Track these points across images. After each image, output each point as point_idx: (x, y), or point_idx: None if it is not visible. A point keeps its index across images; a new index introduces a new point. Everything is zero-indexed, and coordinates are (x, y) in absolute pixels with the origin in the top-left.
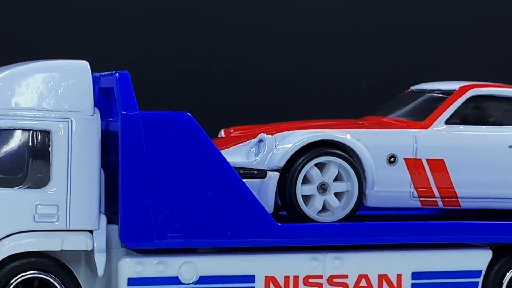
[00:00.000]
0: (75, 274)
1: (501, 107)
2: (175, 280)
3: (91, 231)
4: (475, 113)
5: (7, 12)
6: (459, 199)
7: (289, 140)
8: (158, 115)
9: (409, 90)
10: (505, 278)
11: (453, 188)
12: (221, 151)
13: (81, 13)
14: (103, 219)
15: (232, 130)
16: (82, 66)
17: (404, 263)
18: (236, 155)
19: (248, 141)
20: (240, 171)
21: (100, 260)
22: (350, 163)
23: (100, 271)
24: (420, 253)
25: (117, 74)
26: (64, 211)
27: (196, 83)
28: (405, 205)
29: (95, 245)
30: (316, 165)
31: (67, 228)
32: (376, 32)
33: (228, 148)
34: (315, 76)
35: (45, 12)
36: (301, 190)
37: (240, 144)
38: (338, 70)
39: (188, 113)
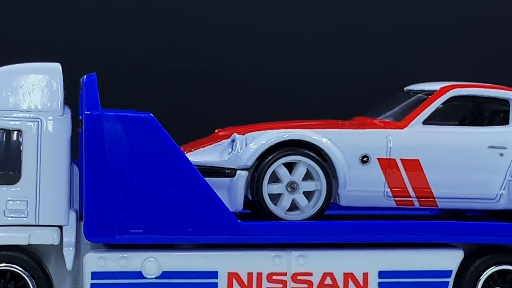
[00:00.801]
0: (47, 268)
1: (483, 107)
2: (138, 275)
3: (60, 227)
4: (456, 113)
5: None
6: (436, 199)
7: (259, 140)
8: (119, 115)
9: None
10: (480, 279)
11: (429, 188)
12: (197, 150)
13: (72, 13)
14: (73, 215)
15: (219, 130)
16: (53, 69)
17: (370, 261)
18: (210, 154)
19: (223, 141)
20: (211, 169)
21: (68, 254)
22: (318, 162)
23: (69, 265)
24: (387, 252)
25: (84, 77)
26: (33, 207)
27: (200, 84)
28: (380, 205)
29: (64, 240)
30: (287, 164)
31: (37, 223)
32: (369, 33)
33: (204, 147)
34: (311, 78)
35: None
36: (269, 188)
37: (216, 144)
38: (332, 72)
39: (151, 114)
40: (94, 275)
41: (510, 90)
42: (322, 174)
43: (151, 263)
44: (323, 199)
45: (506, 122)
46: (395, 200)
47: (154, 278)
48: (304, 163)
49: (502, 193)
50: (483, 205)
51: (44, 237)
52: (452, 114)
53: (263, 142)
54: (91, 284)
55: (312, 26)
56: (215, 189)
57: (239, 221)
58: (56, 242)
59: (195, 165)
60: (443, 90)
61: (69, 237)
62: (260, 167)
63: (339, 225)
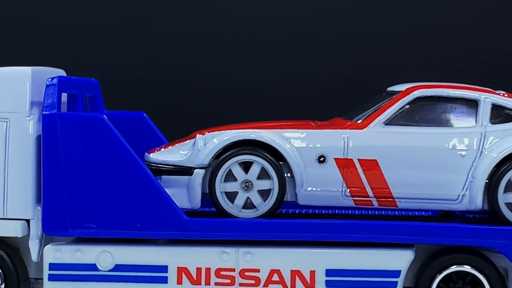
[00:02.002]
0: (23, 258)
1: (448, 107)
2: (93, 267)
3: (28, 221)
4: (421, 113)
5: None
6: (395, 200)
7: (216, 140)
8: (73, 116)
9: None
10: (435, 280)
11: (388, 188)
12: (165, 149)
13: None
14: (39, 209)
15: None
16: (21, 73)
17: (317, 259)
18: (174, 153)
19: (188, 141)
20: (172, 168)
21: (33, 246)
22: (271, 162)
23: (34, 256)
24: (335, 251)
25: (49, 79)
26: (1, 202)
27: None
28: (338, 204)
29: (31, 233)
30: (245, 163)
31: (5, 217)
32: (356, 31)
33: (172, 146)
34: (292, 79)
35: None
36: (225, 187)
37: (182, 143)
38: (317, 73)
39: (103, 115)
40: (52, 266)
41: (478, 90)
42: (274, 173)
43: (105, 256)
44: (275, 197)
45: (472, 123)
46: (354, 200)
47: (108, 270)
48: (258, 163)
49: (464, 194)
50: (445, 206)
51: (9, 230)
52: (415, 115)
53: (218, 142)
54: (49, 274)
55: (300, 26)
56: (176, 187)
57: (186, 217)
58: (20, 235)
59: (159, 164)
60: (408, 91)
61: (35, 230)
62: (214, 166)
63: (282, 223)
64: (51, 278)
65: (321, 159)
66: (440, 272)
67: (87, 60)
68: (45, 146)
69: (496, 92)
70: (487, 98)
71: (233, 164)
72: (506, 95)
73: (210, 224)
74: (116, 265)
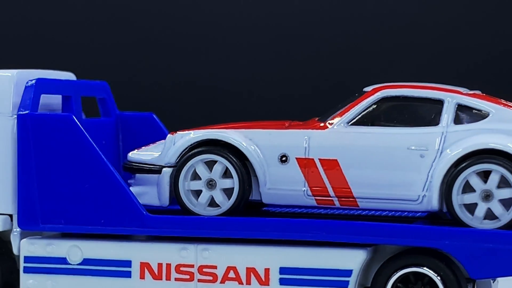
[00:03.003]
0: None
1: (413, 107)
2: (64, 260)
3: (11, 216)
4: (386, 114)
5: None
6: (356, 199)
7: (182, 139)
8: (43, 115)
9: None
10: (389, 280)
11: (349, 188)
12: (142, 149)
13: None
14: None
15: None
16: (6, 76)
17: (272, 257)
18: (148, 153)
19: (162, 140)
20: (144, 166)
21: (14, 240)
22: (232, 161)
23: (15, 249)
24: (289, 249)
25: (28, 81)
26: None
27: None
28: (301, 203)
29: (13, 227)
30: (213, 162)
31: None
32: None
33: (148, 146)
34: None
35: None
36: (190, 185)
37: (158, 143)
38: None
39: (72, 115)
40: (26, 259)
41: (445, 90)
42: (235, 172)
43: (75, 250)
44: (236, 196)
45: (436, 123)
46: (316, 199)
47: (77, 264)
48: (220, 162)
49: (424, 194)
50: (405, 206)
51: None
52: (379, 115)
53: (184, 141)
54: (24, 267)
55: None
56: (148, 185)
57: (146, 214)
58: (1, 229)
59: (134, 162)
60: (373, 91)
61: (16, 225)
62: (178, 165)
63: (235, 221)
64: (26, 270)
65: (283, 158)
66: (395, 273)
67: (103, 65)
68: (19, 145)
69: (464, 92)
70: (452, 98)
71: (197, 163)
72: (478, 94)
73: (168, 221)
74: (84, 259)
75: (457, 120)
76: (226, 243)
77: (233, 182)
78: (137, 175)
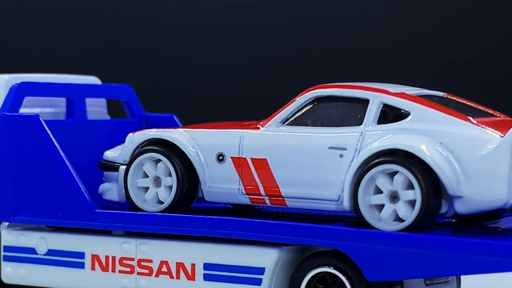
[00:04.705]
0: None
1: (343, 107)
2: (33, 250)
3: None
4: (317, 113)
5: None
6: (284, 199)
7: (135, 139)
8: (13, 116)
9: None
10: (303, 280)
11: (277, 187)
12: (116, 147)
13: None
14: None
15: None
16: None
17: (197, 253)
18: (115, 151)
19: None
20: (107, 164)
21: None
22: (171, 159)
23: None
24: (210, 246)
25: (14, 85)
26: None
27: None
28: (237, 202)
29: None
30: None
31: None
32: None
33: (120, 144)
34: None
35: None
36: (139, 182)
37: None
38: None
39: (38, 115)
40: (5, 248)
41: (372, 90)
42: (173, 170)
43: (41, 241)
44: (174, 193)
45: (360, 123)
46: (249, 198)
47: (43, 254)
48: (163, 161)
49: (343, 194)
50: (328, 206)
51: None
52: (311, 115)
53: (135, 140)
54: (3, 255)
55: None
56: (112, 181)
57: (95, 209)
58: None
59: (103, 160)
60: (306, 91)
61: None
62: (128, 163)
63: (162, 218)
64: (5, 259)
65: (220, 157)
66: (308, 273)
67: (133, 70)
68: None
69: (393, 91)
70: (376, 98)
71: (145, 161)
72: (405, 94)
73: (113, 216)
74: (49, 249)
75: (381, 120)
76: (161, 238)
77: (172, 180)
78: (105, 172)
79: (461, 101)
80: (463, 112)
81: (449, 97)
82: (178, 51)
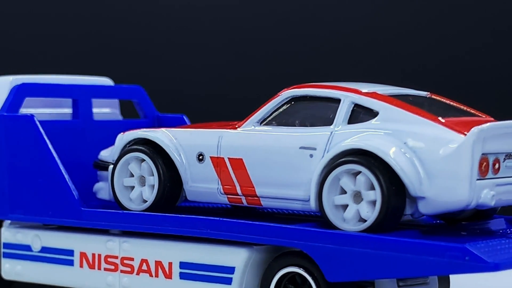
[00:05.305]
0: None
1: (317, 107)
2: (28, 247)
3: None
4: (292, 113)
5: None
6: (259, 198)
7: (122, 138)
8: (10, 116)
9: None
10: (272, 280)
11: (253, 187)
12: (110, 147)
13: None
14: None
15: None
16: (3, 82)
17: (174, 252)
18: (109, 150)
19: None
20: (99, 163)
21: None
22: (153, 159)
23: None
24: (187, 245)
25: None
26: None
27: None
28: (216, 201)
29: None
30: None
31: None
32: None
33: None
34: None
35: None
36: (126, 181)
37: None
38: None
39: (33, 116)
40: (5, 245)
41: (344, 89)
42: (155, 170)
43: (36, 239)
44: (156, 192)
45: (331, 122)
46: (227, 197)
47: (37, 251)
48: (146, 161)
49: (311, 194)
50: (299, 206)
51: None
52: (286, 115)
53: (122, 140)
54: (3, 252)
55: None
56: (103, 180)
57: (82, 208)
58: None
59: (97, 160)
60: (282, 91)
61: None
62: (114, 162)
63: (140, 216)
64: (5, 255)
65: (200, 157)
66: (277, 273)
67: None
68: None
69: (364, 91)
70: (347, 98)
71: (131, 160)
72: (376, 93)
73: (98, 214)
74: (42, 247)
75: (351, 120)
76: (142, 236)
77: (154, 179)
78: (98, 172)
79: (444, 101)
80: (439, 112)
81: (432, 97)
82: (191, 52)
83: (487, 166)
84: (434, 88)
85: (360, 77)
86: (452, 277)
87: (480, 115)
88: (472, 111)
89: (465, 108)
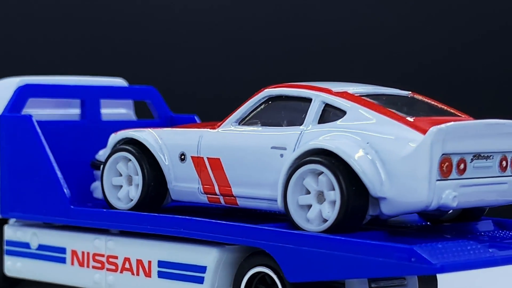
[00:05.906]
0: None
1: (291, 106)
2: (27, 245)
3: None
4: (268, 113)
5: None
6: (236, 198)
7: (115, 138)
8: (9, 116)
9: None
10: (243, 280)
11: (229, 187)
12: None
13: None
14: None
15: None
16: (9, 82)
17: (152, 251)
18: (103, 151)
19: None
20: (94, 163)
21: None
22: (138, 159)
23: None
24: (165, 244)
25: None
26: None
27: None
28: (197, 201)
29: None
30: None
31: None
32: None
33: None
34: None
35: None
36: (114, 180)
37: None
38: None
39: (31, 116)
40: (7, 242)
41: (315, 89)
42: (140, 169)
43: (34, 237)
44: (140, 191)
45: (302, 122)
46: (207, 197)
47: (35, 249)
48: (132, 161)
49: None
50: (274, 207)
51: None
52: (263, 115)
53: (112, 140)
54: (6, 249)
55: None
56: (99, 179)
57: (72, 206)
58: None
59: (93, 159)
60: (260, 91)
61: None
62: (104, 162)
63: (119, 215)
64: (7, 252)
65: (182, 157)
66: (247, 272)
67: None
68: None
69: (335, 91)
70: (318, 97)
71: (119, 159)
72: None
73: (86, 213)
74: (39, 245)
75: (322, 119)
76: (126, 235)
77: (139, 179)
78: (94, 171)
79: (425, 101)
80: (412, 112)
81: (414, 96)
82: (202, 54)
83: (449, 166)
84: (427, 89)
85: (354, 77)
86: (440, 277)
87: (459, 115)
88: (453, 111)
89: (446, 108)
